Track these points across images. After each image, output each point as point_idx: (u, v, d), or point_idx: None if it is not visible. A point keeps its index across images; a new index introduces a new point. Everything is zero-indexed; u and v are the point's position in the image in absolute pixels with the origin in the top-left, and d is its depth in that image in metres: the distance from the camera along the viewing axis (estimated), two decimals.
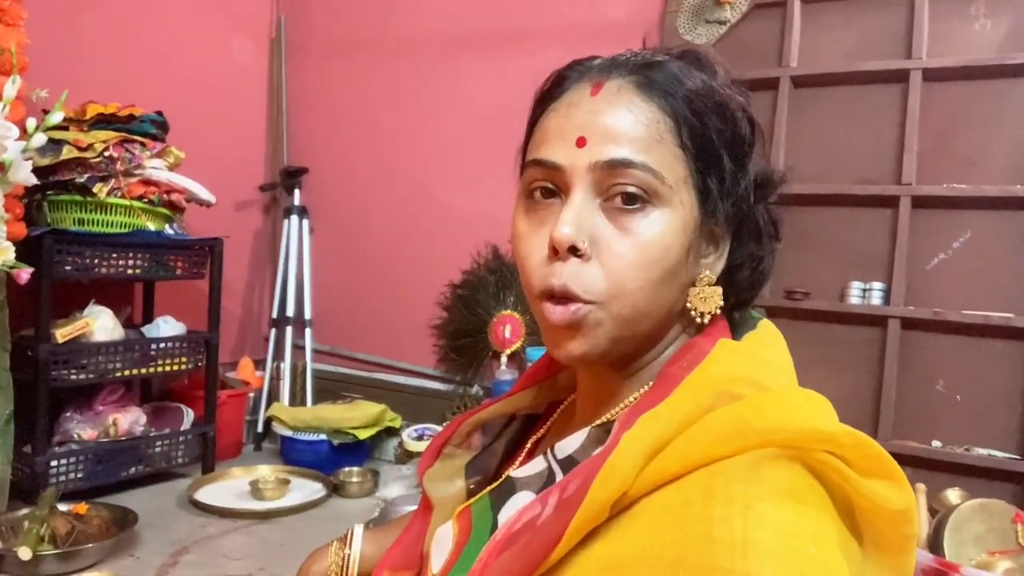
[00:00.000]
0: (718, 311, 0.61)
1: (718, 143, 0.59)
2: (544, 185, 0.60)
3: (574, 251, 0.57)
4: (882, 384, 2.18)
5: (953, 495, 1.82)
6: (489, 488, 0.67)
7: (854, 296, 2.26)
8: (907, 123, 2.21)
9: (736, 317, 0.67)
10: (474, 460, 0.77)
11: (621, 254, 0.56)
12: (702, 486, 0.49)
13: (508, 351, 2.77)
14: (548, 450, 0.63)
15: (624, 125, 0.57)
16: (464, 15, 3.04)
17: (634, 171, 0.56)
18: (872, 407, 2.18)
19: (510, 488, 0.64)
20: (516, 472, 0.66)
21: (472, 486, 0.74)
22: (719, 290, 0.61)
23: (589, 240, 0.57)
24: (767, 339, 0.62)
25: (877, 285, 2.24)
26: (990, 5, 2.17)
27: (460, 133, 3.00)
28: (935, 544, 1.62)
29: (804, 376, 0.60)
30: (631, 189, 0.56)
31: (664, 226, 0.57)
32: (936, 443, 2.12)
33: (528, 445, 0.74)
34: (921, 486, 1.77)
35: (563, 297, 0.57)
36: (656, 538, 0.48)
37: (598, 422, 0.62)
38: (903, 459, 2.05)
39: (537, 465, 0.64)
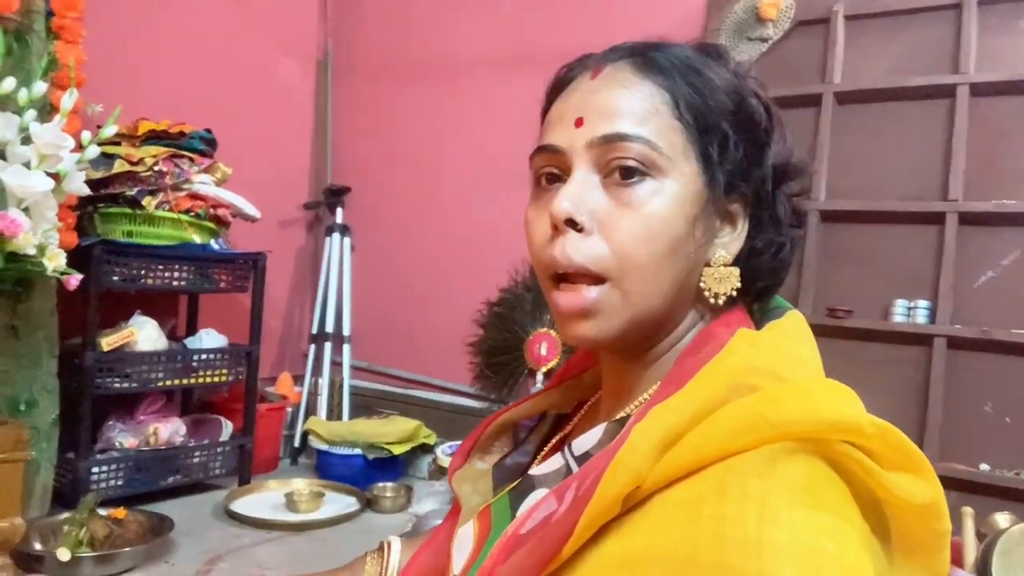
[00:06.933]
0: (734, 293, 0.60)
1: (720, 116, 0.58)
2: (549, 171, 0.61)
3: (573, 224, 0.57)
4: (928, 405, 2.11)
5: (1002, 519, 1.73)
6: (510, 487, 0.66)
7: (898, 314, 2.20)
8: (954, 139, 2.17)
9: (757, 306, 0.65)
10: (503, 460, 0.76)
11: (624, 227, 0.56)
12: (716, 482, 0.47)
13: (544, 369, 2.74)
14: (566, 447, 0.63)
15: (620, 102, 0.57)
16: (504, 37, 3.08)
17: (630, 143, 0.56)
18: (917, 429, 2.10)
19: (529, 486, 0.64)
20: (535, 470, 0.65)
21: (499, 487, 0.73)
22: (736, 271, 0.60)
23: (589, 215, 0.57)
24: (791, 329, 0.60)
25: (922, 303, 2.17)
26: None
27: (499, 153, 3.00)
28: (983, 569, 1.55)
29: None
30: (628, 162, 0.56)
31: (665, 197, 0.56)
32: (984, 467, 2.04)
33: (553, 443, 0.74)
34: (968, 510, 1.69)
35: (571, 275, 0.57)
36: (669, 535, 0.47)
37: (615, 417, 0.61)
38: (950, 483, 1.98)
39: (555, 462, 0.63)
